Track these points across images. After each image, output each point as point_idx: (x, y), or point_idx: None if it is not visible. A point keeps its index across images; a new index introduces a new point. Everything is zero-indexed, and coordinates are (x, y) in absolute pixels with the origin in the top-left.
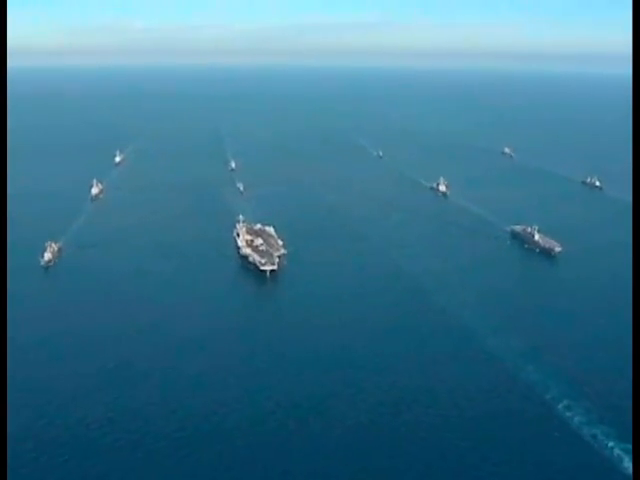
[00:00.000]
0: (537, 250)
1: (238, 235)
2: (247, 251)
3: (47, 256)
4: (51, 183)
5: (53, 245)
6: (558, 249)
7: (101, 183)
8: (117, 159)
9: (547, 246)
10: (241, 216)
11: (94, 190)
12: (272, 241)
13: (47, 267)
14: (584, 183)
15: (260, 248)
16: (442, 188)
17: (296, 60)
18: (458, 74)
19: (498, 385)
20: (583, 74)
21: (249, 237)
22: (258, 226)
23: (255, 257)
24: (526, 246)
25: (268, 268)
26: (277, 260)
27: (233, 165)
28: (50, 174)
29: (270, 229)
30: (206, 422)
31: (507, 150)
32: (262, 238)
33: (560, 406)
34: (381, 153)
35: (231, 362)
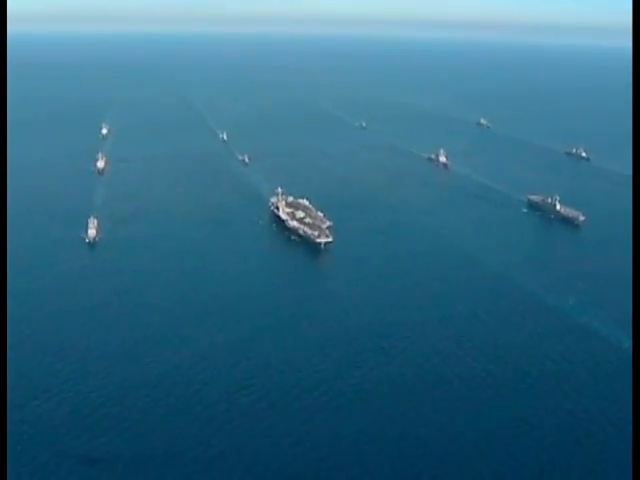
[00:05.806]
0: (554, 218)
1: (277, 208)
2: (294, 224)
3: (91, 232)
4: (45, 156)
5: (94, 221)
6: (582, 218)
7: (105, 156)
8: (104, 131)
9: (570, 215)
10: (279, 189)
11: (100, 163)
12: (312, 213)
13: (93, 243)
14: (569, 154)
15: (305, 220)
16: (442, 159)
17: (224, 28)
18: (417, 44)
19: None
20: (555, 46)
21: (289, 209)
22: (291, 199)
23: (306, 230)
24: (538, 214)
25: (323, 240)
26: (327, 232)
27: (225, 137)
28: (38, 147)
29: (305, 201)
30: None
31: (483, 121)
32: (302, 210)
33: None
34: (364, 124)
35: (342, 323)
